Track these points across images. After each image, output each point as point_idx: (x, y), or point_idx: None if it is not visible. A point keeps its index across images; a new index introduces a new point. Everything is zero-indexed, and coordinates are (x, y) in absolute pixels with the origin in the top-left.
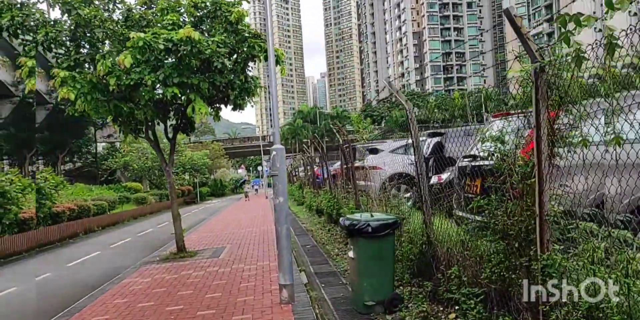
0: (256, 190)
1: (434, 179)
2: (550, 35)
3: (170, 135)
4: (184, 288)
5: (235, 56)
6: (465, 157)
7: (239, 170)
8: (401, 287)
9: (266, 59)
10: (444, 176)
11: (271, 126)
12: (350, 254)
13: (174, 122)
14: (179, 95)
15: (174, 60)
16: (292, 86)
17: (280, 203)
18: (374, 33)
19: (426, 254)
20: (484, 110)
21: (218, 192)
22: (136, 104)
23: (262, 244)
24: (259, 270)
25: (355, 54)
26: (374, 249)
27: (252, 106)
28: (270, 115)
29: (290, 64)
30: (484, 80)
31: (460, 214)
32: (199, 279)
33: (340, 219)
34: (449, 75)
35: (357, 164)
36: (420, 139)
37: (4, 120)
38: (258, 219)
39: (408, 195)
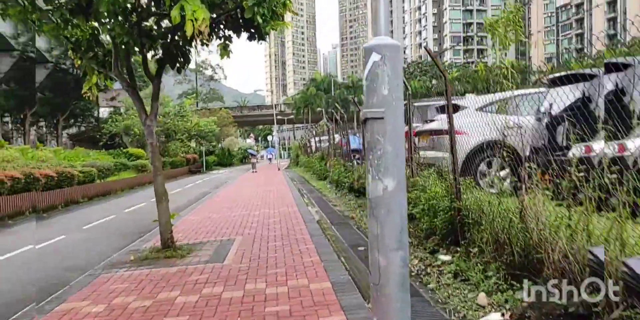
0: (269, 159)
1: (575, 151)
2: (579, 6)
3: (152, 72)
4: None
5: None
6: None
7: (248, 140)
8: None
9: None
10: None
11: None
12: None
13: (158, 53)
14: None
15: None
16: (303, 56)
17: (386, 192)
18: (390, 1)
19: None
20: None
21: (226, 161)
22: (97, 19)
23: (286, 237)
24: (294, 297)
25: (369, 24)
26: None
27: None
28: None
29: (302, 33)
30: (505, 53)
31: None
32: (186, 315)
33: None
34: (468, 47)
35: (421, 127)
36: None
37: (4, 75)
38: (273, 196)
39: (504, 173)
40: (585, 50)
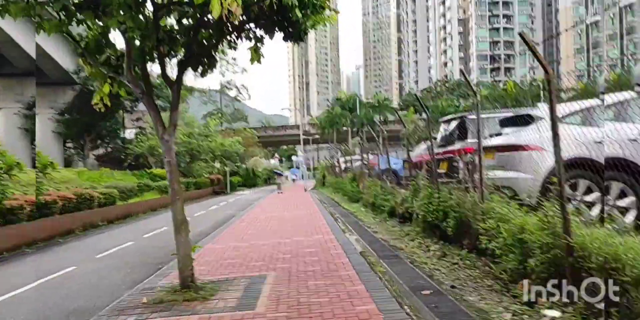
0: (293, 180)
1: None
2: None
3: (172, 75)
4: None
5: None
6: None
7: (272, 160)
8: None
9: None
10: None
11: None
12: None
13: (179, 56)
14: None
15: None
16: (326, 77)
17: None
18: (414, 21)
19: None
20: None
21: (250, 182)
22: (106, 13)
23: (328, 274)
24: None
25: (393, 44)
26: None
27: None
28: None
29: (326, 54)
30: (533, 72)
31: None
32: None
33: None
34: (495, 66)
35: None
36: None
37: (67, 106)
38: (304, 220)
39: (593, 197)
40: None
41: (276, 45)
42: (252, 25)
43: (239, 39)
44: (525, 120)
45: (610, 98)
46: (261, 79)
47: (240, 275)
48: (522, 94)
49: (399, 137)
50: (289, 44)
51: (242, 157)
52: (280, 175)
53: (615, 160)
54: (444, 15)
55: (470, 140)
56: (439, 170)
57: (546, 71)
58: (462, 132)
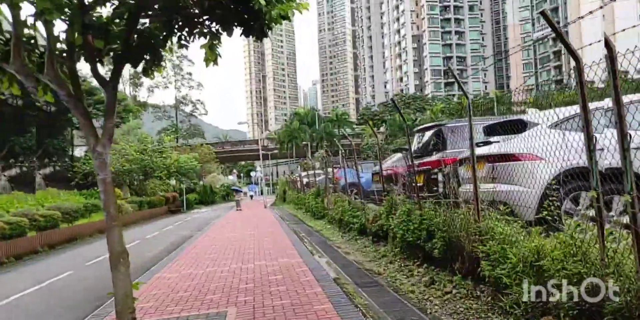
0: (251, 196)
1: None
2: (555, 39)
3: (105, 72)
4: None
5: None
6: None
7: (230, 177)
8: None
9: None
10: None
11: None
12: None
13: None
14: None
15: None
16: (284, 92)
17: None
18: (370, 37)
19: None
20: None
21: (208, 199)
22: None
23: (300, 309)
24: None
25: (349, 60)
26: None
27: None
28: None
29: (283, 70)
30: (485, 86)
31: None
32: None
33: None
34: (449, 80)
35: (461, 154)
36: None
37: None
38: (267, 241)
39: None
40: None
41: (234, 60)
42: (205, 17)
43: (191, 36)
44: (515, 128)
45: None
46: (218, 94)
47: (195, 312)
48: (475, 107)
49: (360, 150)
50: (246, 55)
51: (199, 173)
52: (239, 191)
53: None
54: (398, 31)
55: (450, 151)
56: (415, 184)
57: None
58: (439, 142)
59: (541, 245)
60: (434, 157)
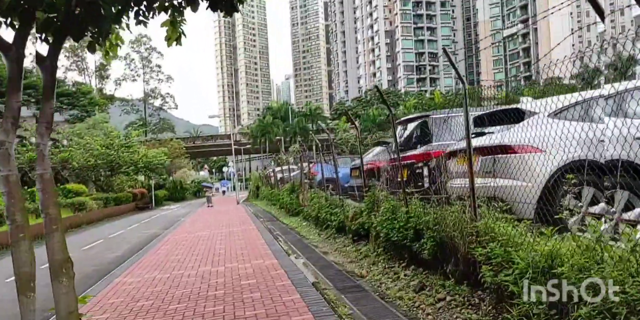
0: (223, 192)
1: None
2: (525, 35)
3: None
4: None
5: None
6: None
7: (202, 172)
8: None
9: None
10: None
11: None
12: None
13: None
14: None
15: None
16: (257, 86)
17: None
18: (343, 32)
19: None
20: None
21: (177, 195)
22: None
23: None
24: None
25: (322, 55)
26: None
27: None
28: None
29: (255, 64)
30: (457, 82)
31: None
32: None
33: None
34: (421, 76)
35: (455, 144)
36: None
37: None
38: (239, 240)
39: (599, 209)
40: (533, 78)
41: (205, 53)
42: None
43: (151, 11)
44: (510, 117)
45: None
46: (190, 88)
47: None
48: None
49: (335, 145)
50: (218, 48)
51: (168, 169)
52: (210, 187)
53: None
54: (371, 27)
55: (437, 143)
56: (398, 179)
57: None
58: (424, 134)
59: (556, 249)
60: (419, 150)
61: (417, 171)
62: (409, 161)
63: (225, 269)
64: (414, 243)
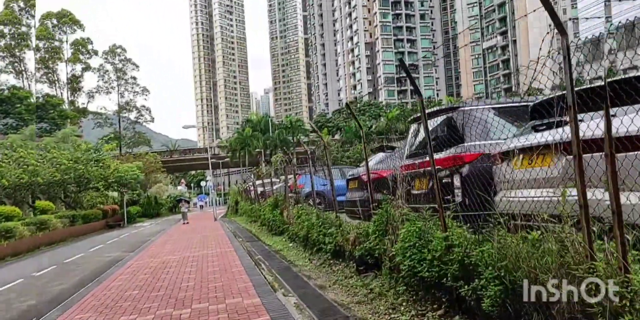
0: (201, 207)
1: None
2: (504, 48)
3: None
4: None
5: None
6: None
7: (179, 187)
8: None
9: None
10: None
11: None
12: None
13: None
14: None
15: None
16: (236, 100)
17: None
18: (323, 44)
19: None
20: None
21: (152, 211)
22: None
23: None
24: None
25: (302, 68)
26: None
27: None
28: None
29: (235, 77)
30: (437, 93)
31: None
32: None
33: None
34: (402, 88)
35: (514, 142)
36: None
37: None
38: (214, 268)
39: None
40: (514, 89)
41: (184, 67)
42: None
43: None
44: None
45: None
46: (167, 102)
47: None
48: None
49: (316, 158)
50: (197, 62)
51: (143, 184)
52: (186, 202)
53: None
54: (351, 39)
55: (470, 144)
56: (414, 191)
57: None
58: (450, 132)
59: None
60: (444, 153)
61: (442, 181)
62: (427, 168)
63: (191, 313)
64: (458, 282)
